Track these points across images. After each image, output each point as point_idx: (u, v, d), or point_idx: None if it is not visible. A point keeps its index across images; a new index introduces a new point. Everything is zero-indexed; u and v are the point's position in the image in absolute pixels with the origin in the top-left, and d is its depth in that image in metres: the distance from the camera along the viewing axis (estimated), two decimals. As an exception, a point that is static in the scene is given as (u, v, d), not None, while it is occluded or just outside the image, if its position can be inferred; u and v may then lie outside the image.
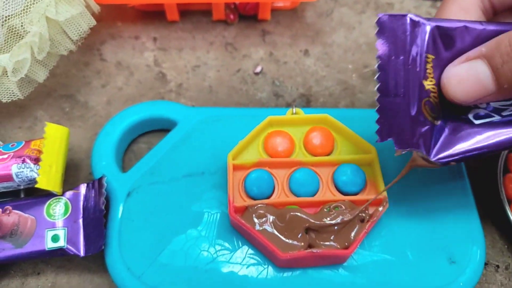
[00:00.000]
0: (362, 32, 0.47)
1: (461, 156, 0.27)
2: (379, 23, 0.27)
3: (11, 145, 0.35)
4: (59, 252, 0.32)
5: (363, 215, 0.31)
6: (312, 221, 0.31)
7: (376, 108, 0.27)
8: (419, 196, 0.34)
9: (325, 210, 0.31)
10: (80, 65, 0.44)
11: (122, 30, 0.46)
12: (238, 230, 0.33)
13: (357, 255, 0.32)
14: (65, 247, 0.32)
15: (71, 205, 0.34)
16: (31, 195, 0.35)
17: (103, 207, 0.33)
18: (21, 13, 0.37)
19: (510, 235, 0.34)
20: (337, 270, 0.32)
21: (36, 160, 0.34)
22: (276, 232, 0.31)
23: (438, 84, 0.27)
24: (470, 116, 0.28)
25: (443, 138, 0.27)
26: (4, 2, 0.36)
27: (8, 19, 0.36)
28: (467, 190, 0.35)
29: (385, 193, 0.32)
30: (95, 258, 0.34)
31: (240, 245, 0.33)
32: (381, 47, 0.27)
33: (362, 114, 0.39)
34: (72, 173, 0.38)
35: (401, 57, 0.27)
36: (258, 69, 0.44)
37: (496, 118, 0.27)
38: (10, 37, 0.37)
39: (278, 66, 0.44)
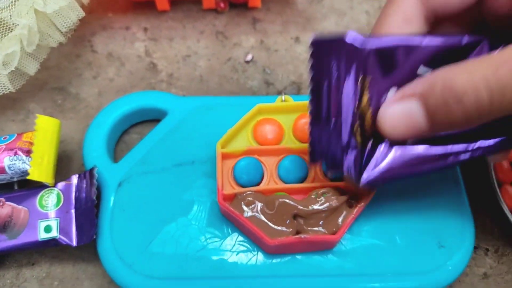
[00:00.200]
0: (354, 18, 0.47)
1: (380, 177, 0.27)
2: (313, 45, 0.26)
3: (3, 138, 0.35)
4: (52, 243, 0.33)
5: (352, 201, 0.32)
6: (300, 207, 0.31)
7: (309, 131, 0.29)
8: (409, 181, 0.34)
9: (312, 196, 0.32)
10: (71, 57, 0.44)
11: (113, 21, 0.46)
12: (228, 217, 0.33)
13: (346, 241, 0.33)
14: (58, 237, 0.33)
15: (63, 196, 0.34)
16: (24, 187, 0.36)
17: (94, 198, 0.34)
18: (9, 6, 0.37)
19: (500, 219, 0.35)
20: (326, 255, 0.32)
21: (28, 152, 0.34)
22: (264, 219, 0.31)
23: (374, 105, 0.26)
24: None
25: (373, 160, 0.27)
26: (-9, -5, 0.36)
27: (-4, 12, 0.36)
28: (457, 175, 0.35)
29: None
30: (89, 248, 0.35)
31: (230, 233, 0.33)
32: (312, 70, 0.27)
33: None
34: (65, 164, 0.38)
35: (334, 82, 0.26)
36: (249, 58, 0.44)
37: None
38: (-1, 31, 0.37)
39: (269, 54, 0.44)
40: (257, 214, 0.31)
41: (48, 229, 0.33)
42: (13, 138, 0.35)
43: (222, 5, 0.46)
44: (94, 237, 0.33)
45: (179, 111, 0.38)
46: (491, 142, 0.28)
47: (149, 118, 0.40)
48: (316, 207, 0.31)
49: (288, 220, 0.31)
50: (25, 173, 0.34)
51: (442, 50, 0.26)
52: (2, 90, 0.38)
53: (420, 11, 0.28)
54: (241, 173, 0.33)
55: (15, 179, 0.35)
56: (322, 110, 0.28)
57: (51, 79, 0.42)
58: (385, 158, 0.26)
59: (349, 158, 0.27)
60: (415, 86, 0.25)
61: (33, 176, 0.33)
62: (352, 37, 0.25)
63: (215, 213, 0.34)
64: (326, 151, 0.29)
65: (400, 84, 0.26)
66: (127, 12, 0.46)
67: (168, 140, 0.36)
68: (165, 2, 0.45)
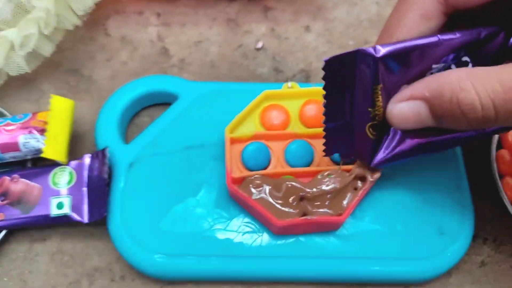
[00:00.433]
0: (364, 8, 0.47)
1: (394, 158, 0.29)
2: (325, 67, 0.27)
3: (18, 117, 0.36)
4: (64, 219, 0.34)
5: (357, 181, 0.32)
6: (307, 190, 0.32)
7: (324, 130, 0.30)
8: (411, 168, 0.35)
9: (319, 177, 0.32)
10: (85, 40, 0.45)
11: (126, 5, 0.47)
12: (236, 199, 0.34)
13: (348, 225, 0.34)
14: (70, 214, 0.34)
15: (75, 174, 0.35)
16: (37, 165, 0.37)
17: (106, 177, 0.35)
18: (27, -12, 0.38)
19: (500, 209, 0.35)
20: (329, 238, 0.33)
21: (42, 131, 0.35)
22: (272, 201, 0.32)
23: (385, 106, 0.27)
24: None
25: (385, 144, 0.28)
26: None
27: (15, -6, 0.37)
28: (459, 163, 0.36)
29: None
30: (99, 226, 0.36)
31: (237, 214, 0.34)
32: (327, 88, 0.28)
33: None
34: (77, 144, 0.39)
35: (347, 89, 0.28)
36: (259, 45, 0.45)
37: None
38: (18, 12, 0.38)
39: (279, 42, 0.45)
40: (265, 196, 0.32)
41: (60, 205, 0.34)
42: (28, 117, 0.36)
43: (234, -8, 0.46)
44: (105, 214, 0.34)
45: (189, 95, 0.38)
46: None
47: (160, 102, 0.41)
48: (322, 187, 0.32)
49: (295, 202, 0.32)
50: (39, 151, 0.35)
51: (460, 45, 0.27)
52: (18, 71, 0.39)
53: (439, 7, 0.27)
54: (249, 157, 0.34)
55: (29, 157, 0.36)
56: (337, 112, 0.29)
57: (65, 61, 0.43)
58: (396, 143, 0.28)
59: (362, 146, 0.29)
60: (424, 88, 0.25)
61: (47, 154, 0.34)
62: (366, 50, 0.26)
63: (222, 195, 0.35)
64: (339, 146, 0.31)
65: (411, 81, 0.27)
66: (141, -3, 0.47)
67: (178, 123, 0.37)
68: (178, -12, 0.46)
